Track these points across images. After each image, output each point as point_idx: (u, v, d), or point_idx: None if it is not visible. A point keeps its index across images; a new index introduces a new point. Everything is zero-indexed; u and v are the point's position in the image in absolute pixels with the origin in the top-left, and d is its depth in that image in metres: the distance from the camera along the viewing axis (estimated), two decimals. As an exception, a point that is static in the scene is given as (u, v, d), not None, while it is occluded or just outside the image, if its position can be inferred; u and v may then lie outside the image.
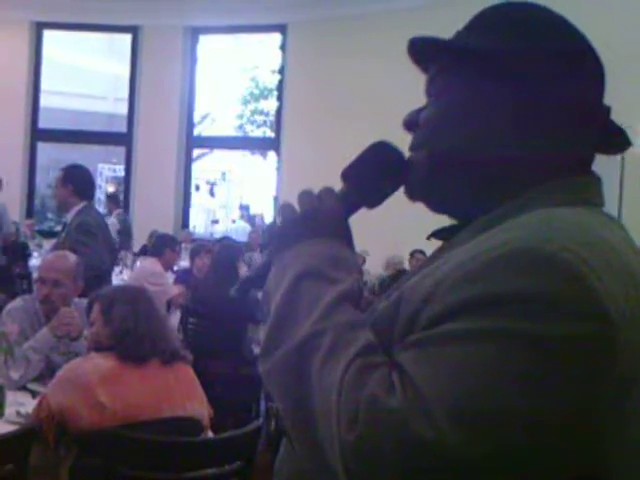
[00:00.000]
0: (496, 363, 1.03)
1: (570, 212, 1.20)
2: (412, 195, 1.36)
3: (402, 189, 1.38)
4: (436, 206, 1.38)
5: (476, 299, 1.07)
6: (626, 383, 1.09)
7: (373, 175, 1.35)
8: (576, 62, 1.31)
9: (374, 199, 1.37)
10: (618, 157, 9.56)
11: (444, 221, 1.41)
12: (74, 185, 6.15)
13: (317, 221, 1.29)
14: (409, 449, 1.01)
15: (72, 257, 4.46)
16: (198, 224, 17.76)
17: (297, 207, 1.32)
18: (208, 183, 19.52)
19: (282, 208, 1.34)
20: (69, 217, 6.12)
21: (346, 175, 1.36)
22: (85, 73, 20.01)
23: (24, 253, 11.18)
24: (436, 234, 1.41)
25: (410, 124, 1.37)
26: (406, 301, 1.17)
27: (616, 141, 1.37)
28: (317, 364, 1.12)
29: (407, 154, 1.37)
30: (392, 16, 11.18)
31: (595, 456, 1.09)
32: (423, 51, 1.37)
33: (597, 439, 1.08)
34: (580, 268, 1.06)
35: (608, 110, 1.32)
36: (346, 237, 1.33)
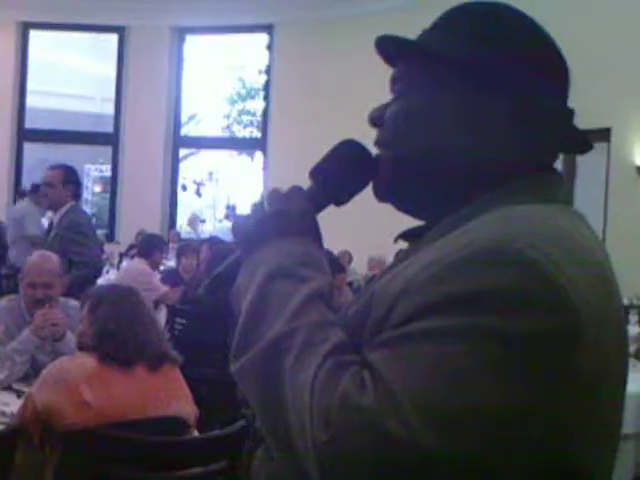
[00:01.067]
0: (466, 360, 1.04)
1: (534, 209, 1.22)
2: (379, 196, 1.37)
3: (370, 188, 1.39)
4: (403, 207, 1.39)
5: (445, 298, 1.08)
6: (596, 378, 1.11)
7: (340, 173, 1.35)
8: (539, 64, 1.32)
9: (341, 197, 1.37)
10: (604, 158, 9.60)
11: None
12: (75, 186, 6.13)
13: (287, 220, 1.29)
14: (382, 448, 1.02)
15: (54, 256, 4.45)
16: (185, 224, 17.73)
17: (267, 206, 1.33)
18: (195, 183, 19.47)
19: (253, 207, 1.34)
20: (57, 216, 6.07)
21: (314, 173, 1.36)
22: (72, 73, 19.96)
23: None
24: (404, 236, 1.43)
25: (376, 120, 1.38)
26: (377, 302, 1.18)
27: (578, 143, 1.39)
28: (289, 363, 1.12)
29: (374, 151, 1.38)
30: (379, 17, 11.18)
31: (567, 449, 1.11)
32: (389, 50, 1.38)
33: (568, 432, 1.10)
34: (546, 265, 1.07)
35: (571, 112, 1.34)
36: (315, 236, 1.33)
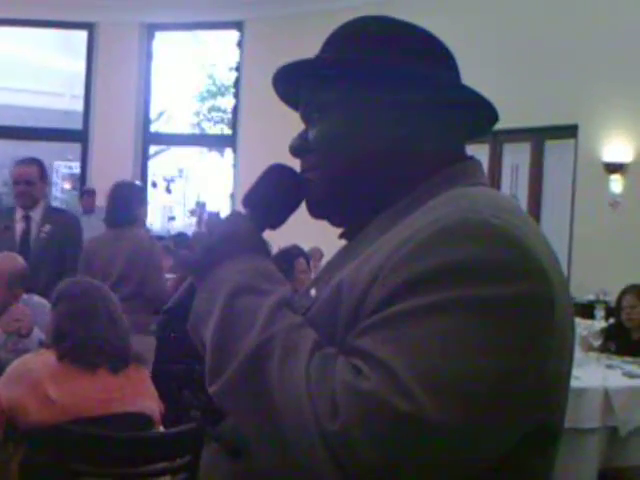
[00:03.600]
0: (455, 330, 1.07)
1: (480, 189, 1.28)
2: (315, 214, 1.42)
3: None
4: (339, 220, 1.44)
5: (423, 274, 1.10)
6: (563, 339, 1.17)
7: (270, 200, 1.39)
8: (435, 56, 1.39)
9: (275, 221, 1.41)
10: (571, 155, 9.67)
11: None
12: (47, 181, 5.97)
13: (235, 240, 1.31)
14: (393, 426, 1.04)
15: (9, 263, 4.33)
16: (155, 221, 17.68)
17: (208, 231, 1.34)
18: (165, 180, 19.43)
19: (195, 236, 1.36)
20: (36, 214, 5.74)
21: (245, 202, 1.39)
22: (40, 70, 19.82)
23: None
24: (345, 235, 1.46)
25: (298, 149, 1.42)
26: (347, 290, 1.20)
27: (485, 118, 1.43)
28: (274, 369, 1.12)
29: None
30: (349, 13, 11.10)
31: (548, 407, 1.18)
32: (291, 78, 1.43)
33: (549, 391, 1.16)
34: (513, 232, 1.13)
35: (472, 91, 1.36)
36: (265, 251, 1.35)
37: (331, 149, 1.36)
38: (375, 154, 1.33)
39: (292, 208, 1.41)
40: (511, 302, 1.08)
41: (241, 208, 1.39)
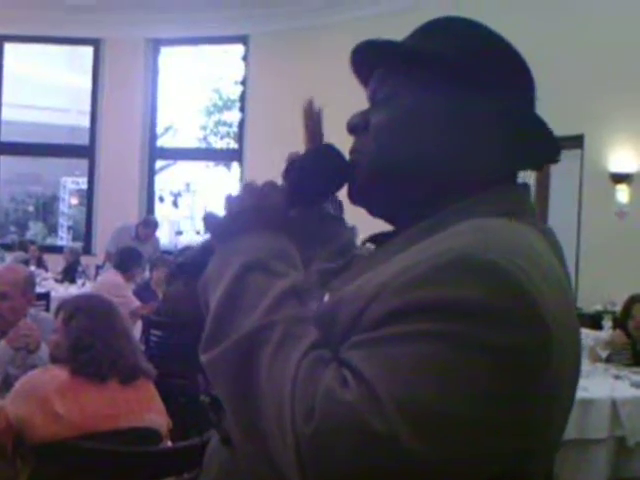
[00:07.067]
0: (439, 362, 1.06)
1: (503, 223, 1.24)
2: (354, 199, 1.39)
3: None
4: (376, 211, 1.41)
5: (423, 302, 1.09)
6: (558, 385, 1.15)
7: (312, 177, 1.37)
8: (515, 74, 1.37)
9: (312, 200, 1.41)
10: (577, 165, 9.67)
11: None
12: None
13: (262, 214, 1.29)
14: (364, 443, 1.03)
15: (22, 270, 4.41)
16: (162, 235, 17.66)
17: (241, 199, 1.33)
18: (172, 194, 19.43)
19: (226, 200, 1.35)
20: None
21: (286, 174, 1.38)
22: (47, 86, 19.89)
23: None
24: (371, 240, 1.45)
25: (357, 127, 1.40)
26: (348, 302, 1.19)
27: (546, 152, 1.41)
28: (267, 356, 1.12)
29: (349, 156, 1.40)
30: (354, 26, 11.23)
31: (527, 453, 1.15)
32: (371, 54, 1.40)
33: (530, 441, 1.13)
34: (520, 278, 1.10)
35: (540, 121, 1.35)
36: (289, 232, 1.33)
37: (388, 137, 1.34)
38: (425, 157, 1.32)
39: (332, 190, 1.39)
40: (500, 350, 1.06)
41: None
